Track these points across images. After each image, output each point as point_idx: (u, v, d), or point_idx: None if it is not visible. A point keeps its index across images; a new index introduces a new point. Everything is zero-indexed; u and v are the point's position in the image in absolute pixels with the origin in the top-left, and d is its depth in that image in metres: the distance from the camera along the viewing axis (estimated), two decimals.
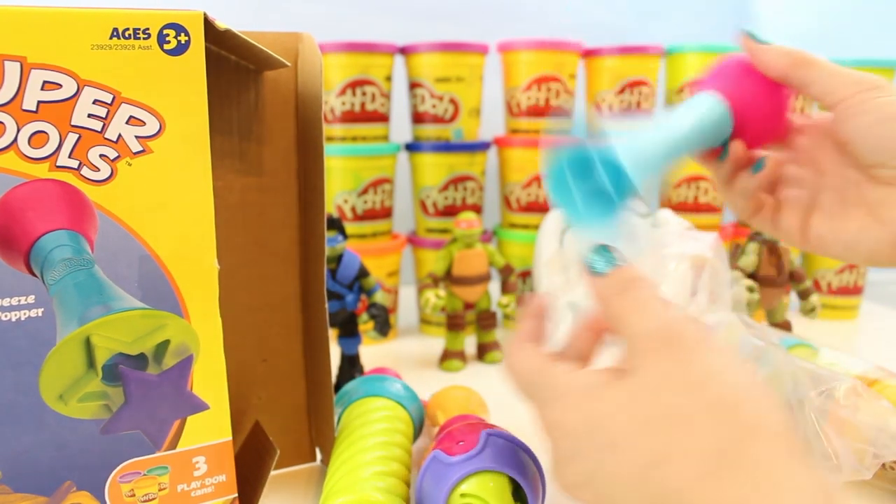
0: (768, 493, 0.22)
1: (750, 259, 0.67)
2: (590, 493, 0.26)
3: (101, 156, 0.30)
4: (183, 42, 0.30)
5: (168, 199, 0.31)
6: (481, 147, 0.78)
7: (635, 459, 0.24)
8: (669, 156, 0.33)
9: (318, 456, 0.46)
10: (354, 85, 0.73)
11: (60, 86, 0.29)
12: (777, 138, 0.37)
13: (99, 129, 0.30)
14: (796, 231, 0.36)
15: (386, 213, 0.77)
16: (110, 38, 0.29)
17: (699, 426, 0.23)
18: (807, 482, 0.22)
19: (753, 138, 0.36)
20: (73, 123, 0.29)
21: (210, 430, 0.33)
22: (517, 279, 0.69)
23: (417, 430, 0.45)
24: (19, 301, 0.29)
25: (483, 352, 0.69)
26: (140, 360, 0.31)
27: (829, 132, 0.36)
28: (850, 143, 0.34)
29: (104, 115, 0.30)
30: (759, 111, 0.36)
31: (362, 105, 0.74)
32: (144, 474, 0.32)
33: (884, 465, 0.42)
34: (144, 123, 0.30)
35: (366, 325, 0.61)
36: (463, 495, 0.34)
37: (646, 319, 0.27)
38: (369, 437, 0.39)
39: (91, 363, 0.30)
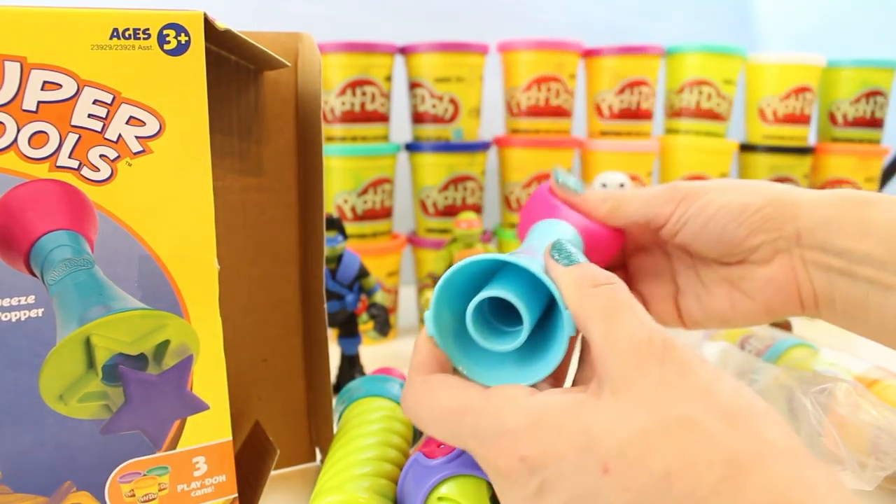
0: (804, 485, 0.20)
1: None
2: None
3: (101, 156, 0.30)
4: (183, 42, 0.30)
5: (168, 199, 0.31)
6: (481, 147, 0.78)
7: (641, 477, 0.22)
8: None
9: (318, 456, 0.46)
10: (354, 85, 0.73)
11: (60, 86, 0.29)
12: (616, 256, 0.39)
13: (99, 130, 0.30)
14: (671, 316, 0.38)
15: (386, 213, 0.77)
16: (110, 38, 0.29)
17: (713, 433, 0.22)
18: (836, 478, 0.21)
19: (601, 261, 0.37)
20: (73, 123, 0.29)
21: (210, 430, 0.33)
22: None
23: (418, 432, 0.45)
24: (19, 301, 0.29)
25: None
26: (140, 361, 0.31)
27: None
28: (689, 247, 0.36)
29: (104, 116, 0.30)
30: (604, 242, 0.37)
31: (362, 105, 0.74)
32: (144, 474, 0.32)
33: None
34: (144, 123, 0.30)
35: (366, 325, 0.61)
36: (441, 499, 0.34)
37: (632, 327, 0.25)
38: (364, 437, 0.39)
39: (91, 363, 0.30)
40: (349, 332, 0.60)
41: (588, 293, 0.26)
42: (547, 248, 0.29)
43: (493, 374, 0.30)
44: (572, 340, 0.31)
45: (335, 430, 0.44)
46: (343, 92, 0.73)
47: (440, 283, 0.30)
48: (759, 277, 0.34)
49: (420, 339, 0.31)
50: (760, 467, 0.21)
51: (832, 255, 0.32)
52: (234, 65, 0.40)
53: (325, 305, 0.42)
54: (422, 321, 0.79)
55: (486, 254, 0.29)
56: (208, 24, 0.31)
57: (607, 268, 0.41)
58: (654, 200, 0.35)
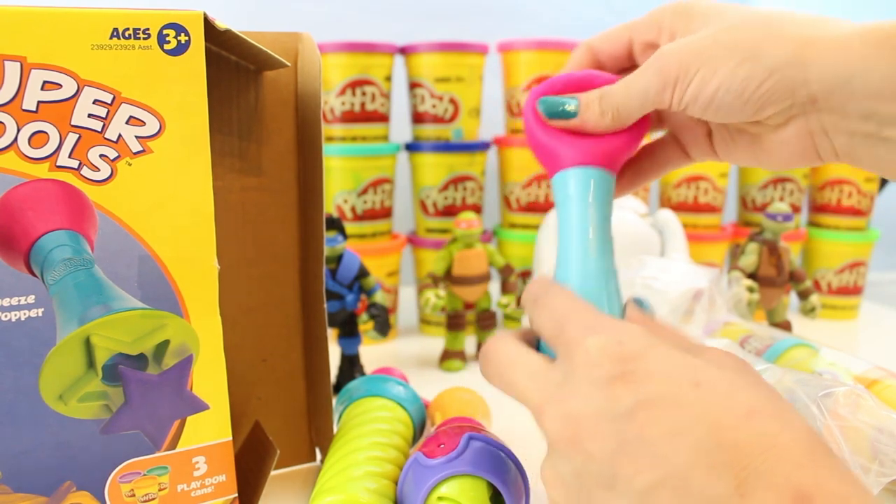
0: (854, 482, 0.21)
1: (750, 259, 0.67)
2: (628, 424, 0.24)
3: (101, 156, 0.30)
4: (183, 42, 0.30)
5: (168, 199, 0.31)
6: (481, 147, 0.78)
7: (727, 404, 0.23)
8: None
9: (318, 456, 0.46)
10: (354, 85, 0.73)
11: (60, 86, 0.29)
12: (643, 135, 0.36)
13: (99, 129, 0.30)
14: (707, 153, 0.36)
15: (386, 213, 0.77)
16: (110, 38, 0.29)
17: (789, 414, 0.23)
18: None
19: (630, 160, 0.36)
20: (73, 123, 0.29)
21: (210, 430, 0.33)
22: (517, 279, 0.69)
23: (418, 432, 0.45)
24: (19, 301, 0.29)
25: None
26: (140, 360, 0.31)
27: None
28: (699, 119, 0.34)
29: (104, 115, 0.30)
30: (632, 147, 0.35)
31: (362, 105, 0.74)
32: (144, 474, 0.32)
33: (883, 463, 0.42)
34: (144, 123, 0.30)
35: (366, 325, 0.61)
36: (440, 498, 0.34)
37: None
38: (365, 436, 0.39)
39: (91, 363, 0.30)
40: (349, 332, 0.60)
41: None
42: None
43: None
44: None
45: (335, 430, 0.44)
46: (343, 92, 0.73)
47: None
48: (775, 139, 0.32)
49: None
50: (830, 451, 0.22)
51: (856, 118, 0.28)
52: (234, 65, 0.40)
53: (325, 305, 0.42)
54: (422, 320, 0.79)
55: None
56: (208, 24, 0.31)
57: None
58: (649, 93, 0.32)
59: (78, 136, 0.29)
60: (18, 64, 0.28)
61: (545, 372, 0.27)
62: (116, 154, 0.30)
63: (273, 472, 0.43)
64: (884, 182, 0.98)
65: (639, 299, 0.31)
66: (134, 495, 0.32)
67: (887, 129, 0.27)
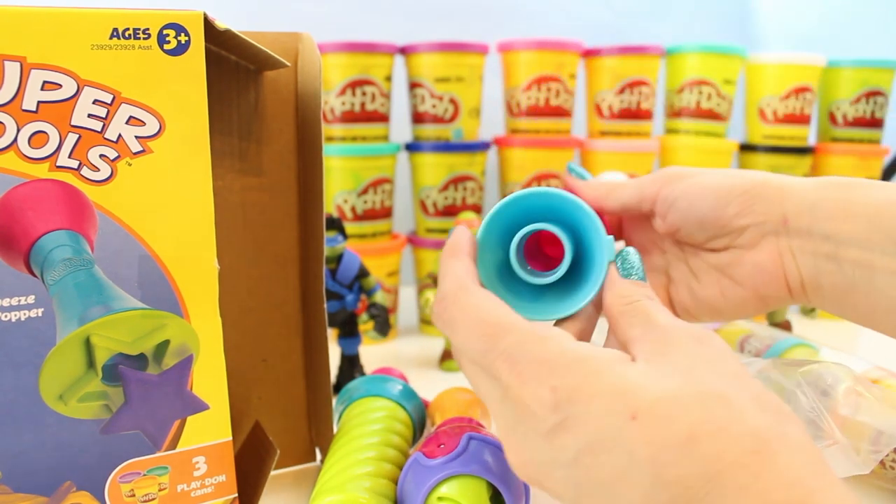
0: (822, 480, 0.21)
1: None
2: (578, 471, 0.23)
3: (101, 156, 0.30)
4: (183, 42, 0.30)
5: (168, 199, 0.31)
6: (481, 147, 0.78)
7: (666, 434, 0.22)
8: None
9: (318, 456, 0.46)
10: (354, 85, 0.73)
11: (60, 86, 0.29)
12: None
13: (99, 130, 0.30)
14: (665, 306, 0.37)
15: (386, 213, 0.77)
16: (110, 38, 0.29)
17: (743, 409, 0.22)
18: (846, 486, 0.21)
19: None
20: (73, 123, 0.29)
21: (210, 430, 0.33)
22: None
23: (418, 432, 0.45)
24: (19, 301, 0.29)
25: None
26: (140, 360, 0.31)
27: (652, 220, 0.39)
28: (678, 230, 0.37)
29: (104, 116, 0.30)
30: None
31: (362, 105, 0.74)
32: (144, 474, 0.32)
33: (883, 463, 0.42)
34: (144, 123, 0.30)
35: (366, 325, 0.61)
36: (440, 498, 0.34)
37: (671, 318, 0.27)
38: (364, 437, 0.40)
39: (91, 363, 0.30)
40: (349, 332, 0.60)
41: (631, 304, 0.28)
42: (612, 260, 0.31)
43: (531, 307, 0.32)
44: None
45: (335, 430, 0.44)
46: (343, 92, 0.73)
47: (494, 208, 0.32)
48: (746, 262, 0.34)
49: (457, 260, 0.31)
50: (786, 450, 0.22)
51: (818, 239, 0.32)
52: (234, 65, 0.40)
53: (325, 305, 0.42)
54: (422, 321, 0.79)
55: (541, 188, 0.32)
56: (208, 24, 0.31)
57: None
58: (644, 182, 0.37)
59: (78, 136, 0.29)
60: (18, 64, 0.28)
61: (499, 402, 0.26)
62: (116, 154, 0.30)
63: (273, 472, 0.43)
64: (885, 179, 0.97)
65: (624, 258, 0.31)
66: (134, 495, 0.32)
67: (843, 249, 0.31)
